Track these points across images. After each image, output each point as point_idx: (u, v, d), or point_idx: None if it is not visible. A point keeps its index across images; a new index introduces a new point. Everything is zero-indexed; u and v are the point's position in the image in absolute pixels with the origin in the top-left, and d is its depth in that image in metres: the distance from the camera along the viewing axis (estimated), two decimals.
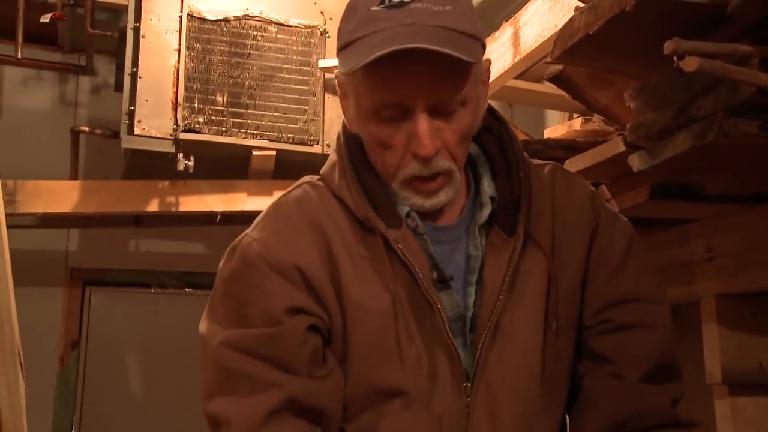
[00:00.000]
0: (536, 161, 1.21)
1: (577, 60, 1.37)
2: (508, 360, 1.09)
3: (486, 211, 1.11)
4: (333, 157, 1.16)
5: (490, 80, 1.09)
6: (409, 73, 0.99)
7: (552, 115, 3.83)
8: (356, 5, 1.03)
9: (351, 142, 1.13)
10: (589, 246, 1.16)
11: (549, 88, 2.58)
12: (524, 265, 1.11)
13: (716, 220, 1.70)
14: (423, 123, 1.01)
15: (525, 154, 1.17)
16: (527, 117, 4.30)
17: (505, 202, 1.12)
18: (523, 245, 1.10)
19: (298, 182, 1.18)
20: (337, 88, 1.13)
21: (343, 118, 1.14)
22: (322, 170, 1.17)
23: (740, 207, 1.63)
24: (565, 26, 1.29)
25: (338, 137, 1.15)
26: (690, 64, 1.02)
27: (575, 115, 2.49)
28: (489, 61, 1.12)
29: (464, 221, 1.13)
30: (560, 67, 1.51)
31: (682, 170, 1.36)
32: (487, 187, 1.13)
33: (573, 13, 1.31)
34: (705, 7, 1.13)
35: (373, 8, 1.00)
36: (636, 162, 1.31)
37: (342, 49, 1.05)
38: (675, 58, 1.05)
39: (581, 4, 1.36)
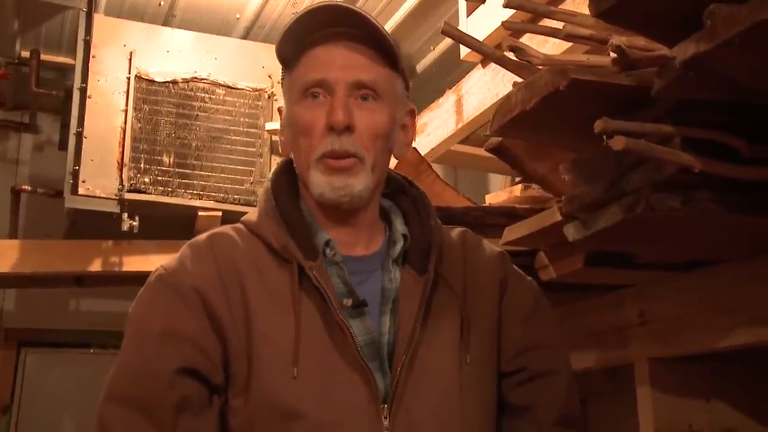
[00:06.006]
0: (446, 227, 1.31)
1: (514, 133, 1.43)
2: (426, 388, 1.13)
3: (398, 246, 1.20)
4: (255, 208, 1.25)
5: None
6: (335, 56, 1.16)
7: (495, 178, 3.92)
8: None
9: (280, 178, 1.23)
10: (500, 296, 1.27)
11: None
12: (436, 301, 1.19)
13: (649, 287, 1.76)
14: (340, 95, 1.15)
15: (436, 216, 1.27)
16: (471, 180, 4.38)
17: (417, 244, 1.21)
18: (435, 284, 1.19)
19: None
20: (279, 120, 1.26)
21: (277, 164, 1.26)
22: (243, 218, 1.25)
23: (672, 274, 1.69)
24: (502, 101, 1.35)
25: (266, 183, 1.25)
26: (617, 143, 1.07)
27: (516, 179, 2.56)
28: (413, 109, 1.26)
29: (380, 255, 1.21)
30: (499, 139, 1.57)
31: (615, 241, 1.42)
32: (399, 226, 1.24)
33: (512, 84, 1.37)
34: (632, 88, 1.19)
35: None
36: (571, 232, 1.36)
37: (280, 44, 1.19)
38: (604, 137, 1.11)
39: (519, 79, 1.42)
